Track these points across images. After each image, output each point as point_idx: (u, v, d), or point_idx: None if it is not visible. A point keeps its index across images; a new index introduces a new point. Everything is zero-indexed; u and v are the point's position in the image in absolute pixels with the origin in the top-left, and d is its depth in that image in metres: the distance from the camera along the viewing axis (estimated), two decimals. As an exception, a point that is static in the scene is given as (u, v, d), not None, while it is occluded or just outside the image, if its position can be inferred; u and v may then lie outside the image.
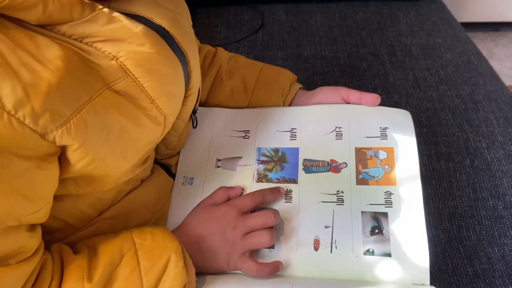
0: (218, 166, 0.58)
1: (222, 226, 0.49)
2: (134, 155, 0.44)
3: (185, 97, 0.50)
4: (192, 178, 0.58)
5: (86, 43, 0.39)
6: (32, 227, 0.40)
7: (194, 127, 0.59)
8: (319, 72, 0.93)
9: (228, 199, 0.53)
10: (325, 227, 0.51)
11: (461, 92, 0.86)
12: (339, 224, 0.51)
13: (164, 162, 0.59)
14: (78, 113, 0.36)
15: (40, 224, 0.42)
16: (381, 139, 0.55)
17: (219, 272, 0.49)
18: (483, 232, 0.64)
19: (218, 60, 0.66)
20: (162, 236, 0.45)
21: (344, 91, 0.60)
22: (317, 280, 0.49)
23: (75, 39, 0.38)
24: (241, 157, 0.58)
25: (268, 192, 0.53)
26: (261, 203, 0.52)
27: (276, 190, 0.53)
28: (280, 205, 0.53)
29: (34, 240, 0.40)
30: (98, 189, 0.45)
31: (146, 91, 0.41)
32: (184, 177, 0.58)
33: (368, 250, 0.49)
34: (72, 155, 0.38)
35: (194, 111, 0.56)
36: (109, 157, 0.40)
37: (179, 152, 0.60)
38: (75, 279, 0.41)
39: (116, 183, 0.47)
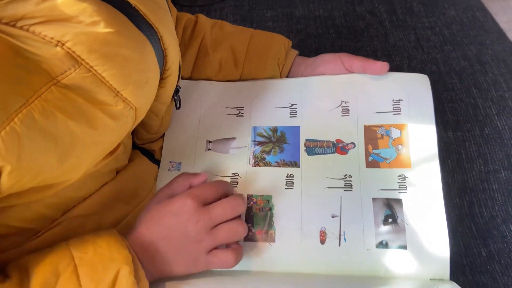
0: (209, 149, 0.52)
1: (182, 222, 0.41)
2: (92, 160, 0.37)
3: (162, 78, 0.42)
4: (180, 163, 0.51)
5: (21, 28, 0.30)
6: None
7: (178, 108, 0.51)
8: (313, 34, 0.85)
9: (190, 188, 0.45)
10: (332, 217, 0.45)
11: (467, 52, 0.79)
12: (348, 213, 0.45)
13: (146, 147, 0.52)
14: (7, 124, 0.28)
15: None
16: (393, 114, 0.49)
17: (186, 275, 0.43)
18: (497, 208, 0.59)
19: (200, 29, 0.57)
20: (108, 246, 0.37)
21: (346, 60, 0.52)
22: (325, 276, 0.43)
23: (6, 24, 0.30)
24: (235, 138, 0.51)
25: (224, 184, 0.47)
26: (225, 193, 0.45)
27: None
28: (281, 192, 0.48)
29: None
30: (48, 195, 0.37)
31: (108, 81, 0.33)
32: (170, 162, 0.52)
33: (381, 243, 0.44)
34: (5, 179, 0.30)
35: (177, 90, 0.49)
36: (58, 169, 0.33)
37: (163, 135, 0.53)
38: None
39: (72, 181, 0.39)
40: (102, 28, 0.32)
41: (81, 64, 0.32)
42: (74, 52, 0.31)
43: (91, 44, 0.32)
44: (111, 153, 0.42)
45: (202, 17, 0.59)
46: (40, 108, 0.30)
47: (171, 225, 0.41)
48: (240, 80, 0.55)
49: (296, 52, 0.58)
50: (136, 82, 0.36)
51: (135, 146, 0.53)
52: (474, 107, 0.71)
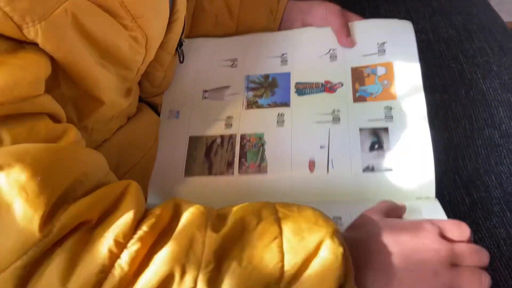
0: (205, 97, 0.55)
1: (421, 263, 0.35)
2: (114, 64, 0.40)
3: (170, 22, 0.46)
4: (178, 112, 0.55)
5: None
6: None
7: (181, 61, 0.54)
8: (306, 6, 0.88)
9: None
10: (321, 147, 0.48)
11: (454, 22, 0.82)
12: (336, 143, 0.48)
13: (150, 100, 0.55)
14: (56, 8, 0.31)
15: None
16: (378, 55, 0.53)
17: None
18: (480, 161, 0.62)
19: None
20: (313, 213, 0.35)
21: (329, 18, 0.56)
22: (315, 203, 0.46)
23: None
24: (229, 86, 0.55)
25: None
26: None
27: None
28: (272, 129, 0.51)
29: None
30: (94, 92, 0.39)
31: (125, 6, 0.36)
32: (169, 111, 0.55)
33: (367, 167, 0.46)
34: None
35: (180, 44, 0.51)
36: (96, 69, 0.37)
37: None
38: (196, 225, 0.32)
39: (110, 107, 0.42)
40: None
41: None
42: None
43: None
44: (127, 93, 0.45)
45: None
46: (80, 5, 0.33)
47: (405, 240, 0.36)
48: (236, 33, 0.58)
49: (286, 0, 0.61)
50: (150, 12, 0.39)
51: (141, 101, 0.56)
52: (461, 72, 0.74)
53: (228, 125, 0.52)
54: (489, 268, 0.53)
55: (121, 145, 0.48)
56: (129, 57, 0.40)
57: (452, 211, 0.58)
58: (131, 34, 0.38)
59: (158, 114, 0.56)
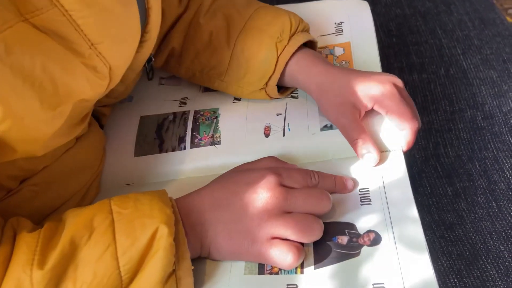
0: (162, 84, 0.52)
1: (253, 192, 0.35)
2: (63, 113, 0.32)
3: (140, 42, 0.38)
4: (132, 96, 0.50)
5: None
6: None
7: (150, 78, 0.47)
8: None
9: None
10: (277, 115, 0.45)
11: (432, -7, 0.76)
12: (293, 111, 0.45)
13: (99, 110, 0.47)
14: None
15: None
16: (336, 35, 0.50)
17: (233, 258, 0.36)
18: (462, 147, 0.58)
19: None
20: (150, 203, 0.33)
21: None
22: None
23: None
24: None
25: (329, 179, 0.38)
26: (312, 186, 0.37)
27: (341, 181, 0.38)
28: (228, 105, 0.47)
29: None
30: (14, 157, 0.33)
31: (82, 30, 0.29)
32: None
33: (325, 126, 0.43)
34: None
35: (149, 59, 0.44)
36: (28, 115, 0.29)
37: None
38: (21, 265, 0.30)
39: (44, 150, 0.35)
40: None
41: (55, 5, 0.28)
42: None
43: None
44: (82, 121, 0.38)
45: None
46: (14, 38, 0.27)
47: (238, 192, 0.36)
48: (230, 59, 0.46)
49: (309, 37, 0.45)
50: (114, 37, 0.32)
51: None
52: (439, 48, 0.69)
53: (183, 104, 0.48)
54: (475, 267, 0.50)
55: (64, 170, 0.40)
56: (89, 94, 0.33)
57: (433, 204, 0.54)
58: (88, 63, 0.31)
59: (102, 126, 0.48)
